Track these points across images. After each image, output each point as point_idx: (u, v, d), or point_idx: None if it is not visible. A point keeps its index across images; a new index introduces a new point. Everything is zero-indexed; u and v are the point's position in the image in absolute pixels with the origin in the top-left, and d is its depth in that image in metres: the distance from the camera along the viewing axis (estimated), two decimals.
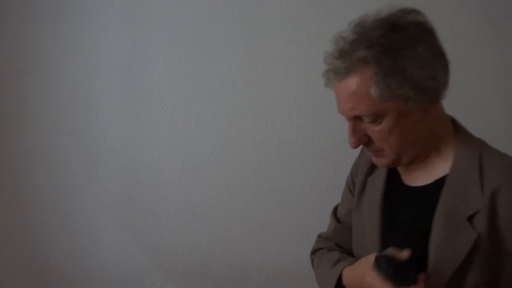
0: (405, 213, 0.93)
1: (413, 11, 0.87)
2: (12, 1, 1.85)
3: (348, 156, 1.76)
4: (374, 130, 0.87)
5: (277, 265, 1.84)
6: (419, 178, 0.94)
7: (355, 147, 0.90)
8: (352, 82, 0.84)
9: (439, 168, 0.91)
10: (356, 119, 0.88)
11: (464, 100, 1.69)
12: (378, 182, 1.00)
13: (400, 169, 0.98)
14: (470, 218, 0.85)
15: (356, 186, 1.08)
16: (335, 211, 1.18)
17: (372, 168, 1.04)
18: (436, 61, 0.85)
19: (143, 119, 1.86)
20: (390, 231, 0.95)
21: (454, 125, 0.94)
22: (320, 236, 1.18)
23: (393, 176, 0.99)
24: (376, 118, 0.85)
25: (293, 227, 1.83)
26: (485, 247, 0.85)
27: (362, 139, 0.89)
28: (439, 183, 0.89)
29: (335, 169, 1.79)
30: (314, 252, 1.17)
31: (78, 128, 1.86)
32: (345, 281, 0.99)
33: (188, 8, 1.83)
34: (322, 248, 1.13)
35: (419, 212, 0.91)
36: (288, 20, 1.80)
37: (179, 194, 1.85)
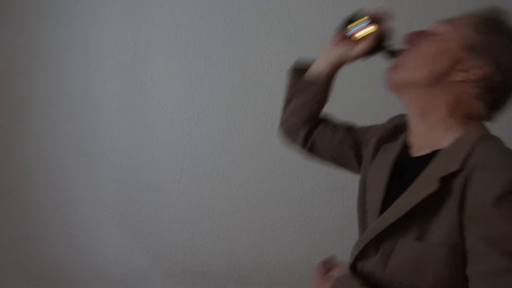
0: (404, 181, 0.95)
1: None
2: (12, 1, 1.85)
3: None
4: (427, 40, 0.93)
5: (277, 265, 1.84)
6: (421, 150, 0.96)
7: (406, 39, 0.97)
8: (459, 19, 0.95)
9: (438, 145, 0.93)
10: (425, 32, 0.96)
11: None
12: (390, 152, 1.04)
13: (409, 141, 1.01)
14: (443, 178, 0.85)
15: (370, 144, 1.11)
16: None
17: (388, 137, 1.08)
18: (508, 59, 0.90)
19: (143, 119, 1.86)
20: (391, 198, 0.96)
21: (479, 124, 0.95)
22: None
23: (403, 151, 1.02)
24: (443, 32, 0.92)
25: (293, 227, 1.83)
26: (443, 216, 0.84)
27: (414, 39, 0.95)
28: (434, 154, 0.92)
29: (335, 169, 1.79)
30: None
31: (78, 128, 1.86)
32: None
33: (188, 8, 1.83)
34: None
35: (412, 180, 0.93)
36: (288, 20, 1.80)
37: (179, 194, 1.85)
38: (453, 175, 0.85)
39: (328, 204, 1.80)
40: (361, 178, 1.10)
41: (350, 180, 1.78)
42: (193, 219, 1.85)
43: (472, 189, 0.82)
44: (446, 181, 0.85)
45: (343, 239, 1.69)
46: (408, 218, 0.86)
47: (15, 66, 1.86)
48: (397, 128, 1.09)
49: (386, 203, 0.96)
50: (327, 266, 0.99)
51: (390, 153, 1.03)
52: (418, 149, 0.96)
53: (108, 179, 1.87)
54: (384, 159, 1.04)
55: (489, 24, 0.92)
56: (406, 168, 0.98)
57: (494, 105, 0.94)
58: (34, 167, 1.87)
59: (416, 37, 0.96)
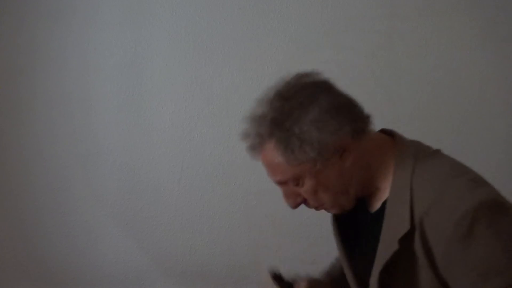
0: (366, 238, 0.98)
1: (304, 75, 0.95)
2: (12, 1, 1.85)
3: None
4: (302, 192, 0.94)
5: (277, 265, 1.84)
6: (374, 204, 0.97)
7: (295, 207, 0.98)
8: (264, 156, 0.96)
9: (385, 191, 0.94)
10: (284, 184, 0.97)
11: (464, 100, 1.69)
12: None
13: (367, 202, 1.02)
14: (401, 240, 0.87)
15: None
16: None
17: None
18: (335, 115, 0.90)
19: (143, 119, 1.86)
20: (358, 255, 1.01)
21: (393, 142, 0.96)
22: None
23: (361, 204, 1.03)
24: (297, 181, 0.94)
25: (293, 227, 1.83)
26: (411, 265, 0.86)
27: (298, 200, 0.97)
28: (384, 206, 0.93)
29: None
30: None
31: (78, 128, 1.86)
32: None
33: (188, 8, 1.83)
34: None
35: (371, 238, 0.95)
36: (288, 20, 1.80)
37: (179, 194, 1.85)
38: (407, 234, 0.86)
39: None
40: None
41: None
42: (193, 219, 1.85)
43: (432, 239, 0.84)
44: (404, 240, 0.86)
45: None
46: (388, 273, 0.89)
47: (15, 66, 1.86)
48: None
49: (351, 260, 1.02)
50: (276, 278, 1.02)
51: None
52: (373, 204, 0.97)
53: (108, 179, 1.87)
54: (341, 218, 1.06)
55: (285, 133, 0.91)
56: (364, 224, 1.00)
57: (364, 120, 0.94)
58: (34, 167, 1.87)
59: (298, 196, 0.97)
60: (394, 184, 0.90)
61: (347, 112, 0.92)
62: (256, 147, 0.97)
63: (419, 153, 0.92)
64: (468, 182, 0.86)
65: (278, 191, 1.90)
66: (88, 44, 1.85)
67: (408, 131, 1.00)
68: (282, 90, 0.96)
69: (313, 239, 1.81)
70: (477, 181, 0.87)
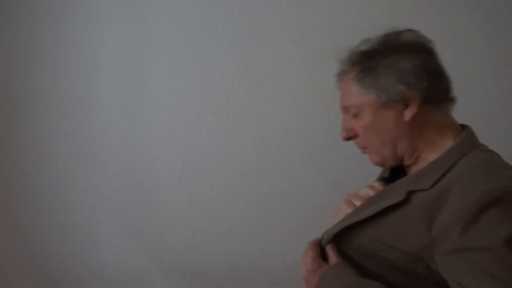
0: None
1: (409, 31, 1.00)
2: (11, 1, 1.85)
3: (348, 156, 1.77)
4: (357, 126, 1.01)
5: (277, 265, 1.84)
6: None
7: (344, 138, 1.05)
8: (343, 82, 1.04)
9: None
10: (346, 112, 1.04)
11: (464, 100, 1.69)
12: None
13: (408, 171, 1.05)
14: (410, 192, 0.91)
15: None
16: None
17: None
18: (419, 74, 0.95)
19: (143, 119, 1.86)
20: None
21: (460, 131, 0.98)
22: None
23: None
24: (358, 112, 1.00)
25: (293, 227, 1.83)
26: (407, 224, 0.88)
27: (350, 133, 1.04)
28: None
29: (335, 169, 1.79)
30: None
31: (78, 128, 1.86)
32: None
33: (188, 8, 1.83)
34: None
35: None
36: (288, 20, 1.80)
37: (179, 194, 1.85)
38: (421, 191, 0.89)
39: (328, 204, 1.80)
40: None
41: (350, 180, 1.79)
42: (193, 219, 1.85)
43: (446, 210, 0.84)
44: (412, 195, 0.90)
45: None
46: (372, 219, 0.93)
47: (14, 66, 1.86)
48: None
49: None
50: (317, 249, 1.04)
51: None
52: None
53: (108, 179, 1.87)
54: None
55: (367, 65, 0.98)
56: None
57: (442, 93, 0.98)
58: (34, 167, 1.87)
59: (351, 129, 1.03)
60: (442, 155, 0.93)
61: (431, 78, 0.96)
62: (341, 74, 1.04)
63: (478, 145, 0.97)
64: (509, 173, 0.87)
65: (277, 191, 1.90)
66: (88, 44, 1.85)
67: None
68: (390, 35, 1.01)
69: (313, 239, 1.81)
70: None
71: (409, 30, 1.01)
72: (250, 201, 1.84)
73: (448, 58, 0.99)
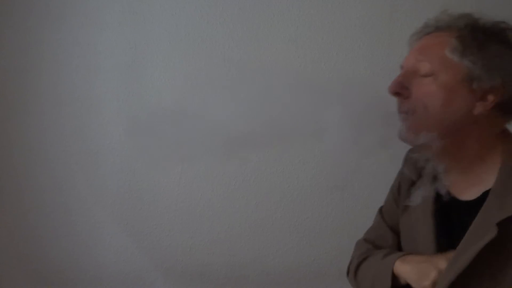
0: (457, 228, 0.91)
1: None
2: (11, 1, 1.85)
3: (348, 156, 1.77)
4: (423, 84, 0.89)
5: (277, 265, 1.84)
6: (466, 191, 0.92)
7: (393, 91, 0.93)
8: (434, 36, 0.91)
9: (483, 180, 0.89)
10: (411, 72, 0.91)
11: None
12: (426, 193, 0.99)
13: (446, 181, 0.96)
14: (501, 223, 0.81)
15: (401, 196, 1.07)
16: (381, 210, 1.16)
17: (416, 178, 1.04)
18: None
19: (142, 119, 1.85)
20: (445, 247, 0.93)
21: (506, 135, 0.93)
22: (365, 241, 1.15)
23: (439, 188, 0.97)
24: (431, 73, 0.88)
25: (293, 227, 1.83)
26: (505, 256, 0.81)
27: (402, 88, 0.92)
28: (484, 196, 0.88)
29: (335, 169, 1.79)
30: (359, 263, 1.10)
31: (78, 128, 1.86)
32: (400, 269, 0.95)
33: (188, 8, 1.83)
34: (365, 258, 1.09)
35: (464, 225, 0.89)
36: (288, 20, 1.80)
37: (179, 194, 1.85)
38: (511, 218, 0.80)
39: (328, 204, 1.80)
40: (404, 225, 1.04)
41: (350, 180, 1.79)
42: (193, 219, 1.85)
43: None
44: (504, 225, 0.81)
45: (343, 239, 1.69)
46: (475, 266, 0.82)
47: (14, 67, 1.85)
48: (417, 165, 1.02)
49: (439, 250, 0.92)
50: None
51: (427, 195, 0.97)
52: (463, 190, 0.92)
53: (108, 179, 1.86)
54: (421, 205, 0.98)
55: (473, 37, 0.88)
56: (454, 212, 0.93)
57: (502, 101, 0.88)
58: (34, 167, 1.87)
59: (405, 87, 0.91)
60: (501, 176, 0.85)
61: None
62: (434, 29, 0.92)
63: None
64: None
65: (277, 191, 1.90)
66: (88, 44, 1.84)
67: None
68: (501, 26, 0.93)
69: (313, 239, 1.81)
70: None
71: None
72: (250, 201, 1.84)
73: None
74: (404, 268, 0.94)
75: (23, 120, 1.86)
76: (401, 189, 1.07)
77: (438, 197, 0.96)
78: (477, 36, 0.88)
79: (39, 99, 1.86)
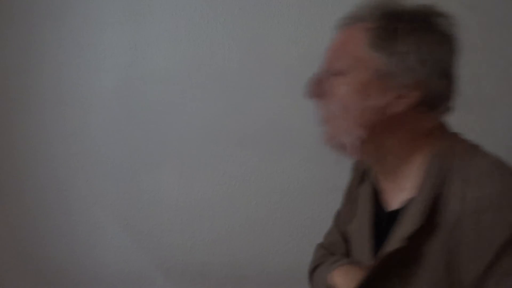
0: (387, 239, 0.87)
1: (443, 17, 0.84)
2: (11, 0, 1.85)
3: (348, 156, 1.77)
4: (338, 84, 0.83)
5: (277, 265, 1.84)
6: (395, 198, 0.87)
7: (310, 93, 0.88)
8: (350, 30, 0.86)
9: (407, 187, 0.84)
10: (327, 73, 0.86)
11: (463, 100, 1.69)
12: (364, 203, 0.96)
13: (380, 187, 0.91)
14: (410, 238, 0.77)
15: (348, 201, 1.07)
16: (338, 213, 1.16)
17: (361, 180, 1.00)
18: (442, 68, 0.81)
19: (143, 119, 1.86)
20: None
21: (439, 133, 0.85)
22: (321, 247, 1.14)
23: (376, 201, 0.93)
24: (347, 69, 0.82)
25: (293, 227, 1.83)
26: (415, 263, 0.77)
27: (318, 92, 0.86)
28: (408, 205, 0.83)
29: (335, 169, 1.79)
30: (315, 268, 1.08)
31: (78, 128, 1.86)
32: (334, 280, 0.94)
33: (188, 8, 1.83)
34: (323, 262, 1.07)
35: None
36: (288, 20, 1.80)
37: (179, 194, 1.85)
38: (419, 232, 0.75)
39: (328, 204, 1.79)
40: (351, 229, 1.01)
41: None
42: (193, 219, 1.85)
43: (470, 244, 0.72)
44: (415, 239, 0.76)
45: None
46: (390, 271, 0.79)
47: (13, 66, 1.86)
48: (364, 172, 0.98)
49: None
50: None
51: (365, 205, 0.93)
52: (394, 197, 0.86)
53: (108, 179, 1.87)
54: (362, 213, 0.94)
55: (389, 28, 0.80)
56: (384, 221, 0.88)
57: (443, 100, 0.83)
58: (33, 168, 1.87)
59: (321, 88, 0.85)
60: (424, 182, 0.79)
61: (446, 80, 0.82)
62: (352, 19, 0.87)
63: (458, 148, 0.81)
64: None
65: (277, 191, 1.90)
66: (88, 44, 1.85)
67: None
68: (425, 10, 0.83)
69: (313, 239, 1.80)
70: None
71: (443, 15, 0.83)
72: (250, 201, 1.84)
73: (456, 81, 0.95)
74: (337, 280, 0.92)
75: (24, 120, 1.87)
76: (350, 194, 1.05)
77: (376, 207, 0.92)
78: (394, 26, 0.80)
79: (39, 99, 1.86)
